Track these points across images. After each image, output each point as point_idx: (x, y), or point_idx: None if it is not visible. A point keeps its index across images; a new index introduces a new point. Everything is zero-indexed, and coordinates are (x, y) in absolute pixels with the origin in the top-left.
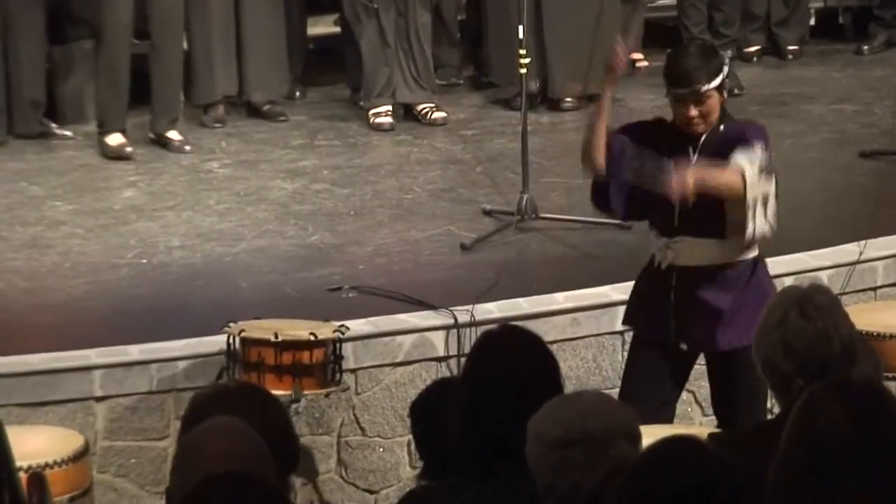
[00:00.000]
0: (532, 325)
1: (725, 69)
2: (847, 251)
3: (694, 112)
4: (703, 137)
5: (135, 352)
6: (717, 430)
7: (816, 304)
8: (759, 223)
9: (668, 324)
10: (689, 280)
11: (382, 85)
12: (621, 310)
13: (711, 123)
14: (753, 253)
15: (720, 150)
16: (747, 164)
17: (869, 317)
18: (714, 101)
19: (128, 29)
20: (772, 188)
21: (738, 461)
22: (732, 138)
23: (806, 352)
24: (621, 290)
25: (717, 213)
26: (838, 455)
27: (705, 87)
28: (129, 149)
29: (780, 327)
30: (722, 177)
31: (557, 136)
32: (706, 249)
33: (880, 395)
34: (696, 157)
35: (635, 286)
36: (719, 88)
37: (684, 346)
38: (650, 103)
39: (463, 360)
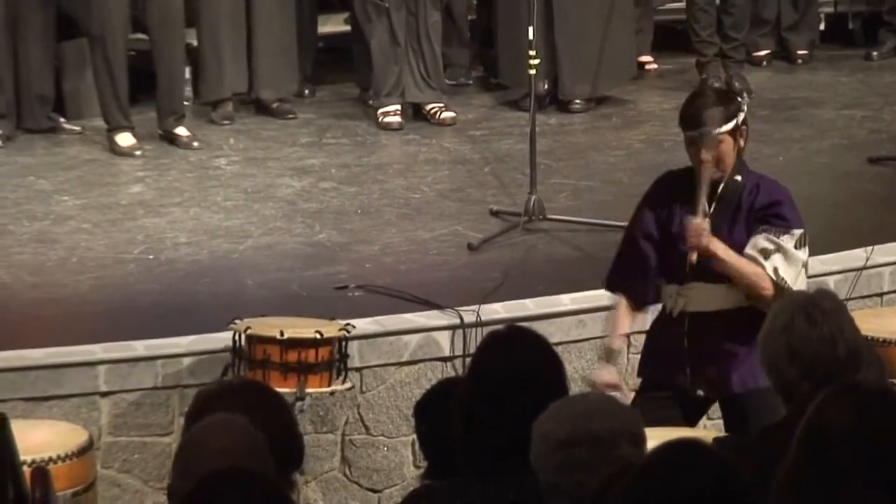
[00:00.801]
0: (538, 326)
1: (742, 115)
2: (854, 256)
3: (706, 156)
4: (720, 187)
5: (140, 347)
6: (722, 435)
7: (822, 309)
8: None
9: (682, 371)
10: (702, 325)
11: (392, 84)
12: None
13: (726, 170)
14: None
15: (739, 203)
16: (785, 266)
17: (875, 322)
18: (727, 146)
19: (121, 27)
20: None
21: (743, 465)
22: (758, 200)
23: (811, 357)
24: None
25: None
26: (846, 457)
27: (716, 131)
28: (138, 152)
29: (785, 332)
30: (747, 269)
31: (566, 137)
32: (718, 294)
33: (890, 397)
34: (713, 207)
35: (648, 337)
36: (733, 133)
37: (701, 393)
38: (658, 106)
39: (468, 360)
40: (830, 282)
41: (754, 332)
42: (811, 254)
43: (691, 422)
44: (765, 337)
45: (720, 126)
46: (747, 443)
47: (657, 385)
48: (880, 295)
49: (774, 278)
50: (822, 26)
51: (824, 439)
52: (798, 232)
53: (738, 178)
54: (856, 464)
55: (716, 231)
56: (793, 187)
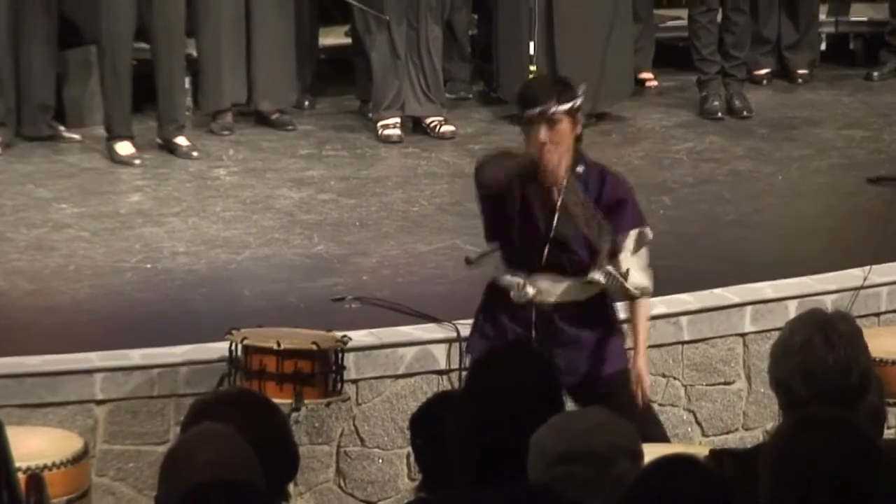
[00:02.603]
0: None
1: (579, 101)
2: (852, 276)
3: (543, 136)
4: (564, 181)
5: (137, 356)
6: (718, 448)
7: (841, 332)
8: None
9: None
10: (549, 315)
11: (392, 97)
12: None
13: (563, 155)
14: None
15: (588, 194)
16: (643, 278)
17: (871, 342)
18: (565, 128)
19: (128, 37)
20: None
21: (737, 480)
22: (604, 193)
23: (825, 381)
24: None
25: (581, 256)
26: (823, 490)
27: (555, 109)
28: (137, 161)
29: (801, 351)
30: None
31: None
32: (567, 287)
33: (854, 429)
34: (560, 199)
35: (482, 319)
36: (571, 114)
37: None
38: (658, 123)
39: (464, 373)
40: (828, 301)
41: (602, 320)
42: (810, 273)
43: None
44: (780, 351)
45: (559, 105)
46: (743, 458)
47: None
48: (877, 315)
49: (622, 279)
50: (823, 46)
51: (802, 473)
52: (634, 232)
53: (580, 168)
54: (833, 496)
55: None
56: (792, 206)
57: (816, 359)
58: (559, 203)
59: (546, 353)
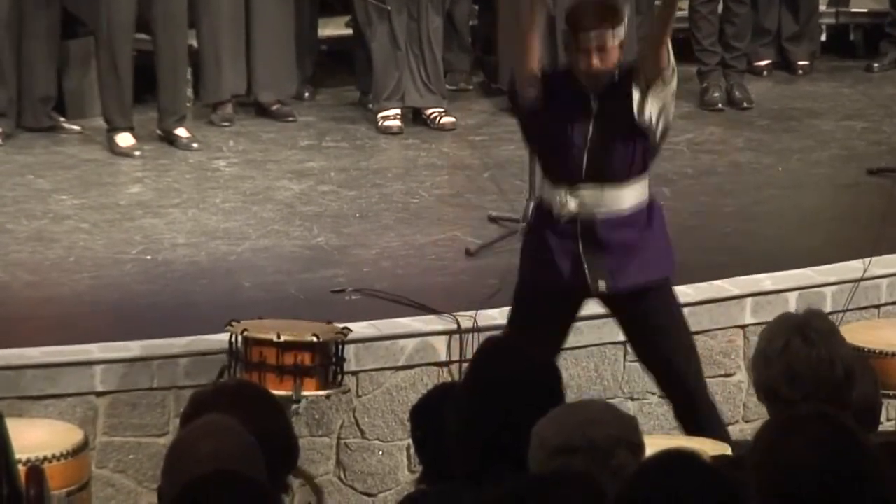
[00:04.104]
0: None
1: (625, 18)
2: (852, 268)
3: (596, 60)
4: (601, 89)
5: (136, 348)
6: (721, 454)
7: (817, 329)
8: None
9: (578, 269)
10: (594, 227)
11: (392, 88)
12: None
13: (608, 70)
14: (647, 196)
15: (618, 100)
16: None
17: (871, 334)
18: (614, 51)
19: (128, 28)
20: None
21: (740, 476)
22: (623, 83)
23: (811, 378)
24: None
25: (622, 157)
26: (801, 490)
27: (609, 33)
28: (137, 152)
29: (782, 356)
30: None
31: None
32: (610, 196)
33: (838, 427)
34: (595, 112)
35: (528, 245)
36: (620, 38)
37: (602, 286)
38: None
39: (465, 365)
40: (828, 293)
41: (644, 229)
42: (810, 264)
43: (566, 321)
44: (760, 360)
45: (613, 30)
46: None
47: (536, 284)
48: (877, 307)
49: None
50: (823, 37)
51: (787, 478)
52: None
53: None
54: (819, 498)
55: (612, 123)
56: (792, 198)
57: (799, 359)
58: (595, 111)
59: (595, 262)
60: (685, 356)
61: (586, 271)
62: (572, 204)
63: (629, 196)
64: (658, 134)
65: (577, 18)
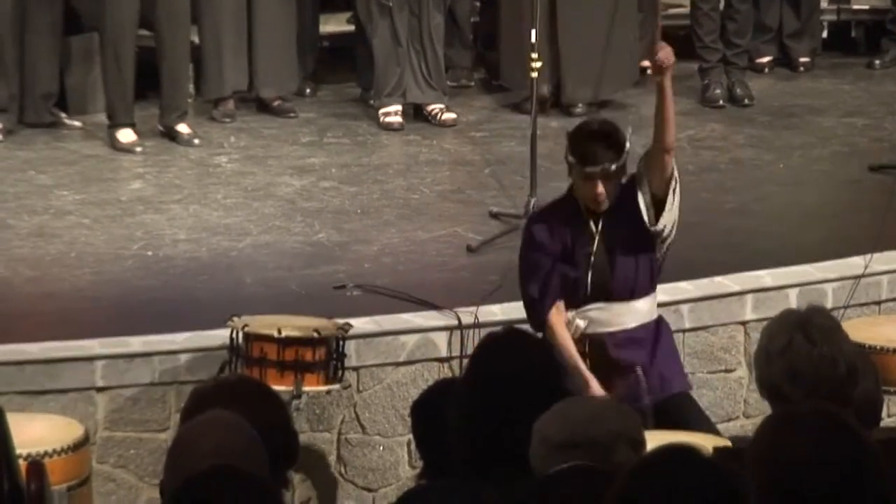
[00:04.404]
0: None
1: (627, 146)
2: (853, 264)
3: (601, 189)
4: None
5: (137, 343)
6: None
7: (819, 327)
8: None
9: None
10: (602, 345)
11: (393, 84)
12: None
13: (614, 199)
14: (655, 315)
15: (620, 217)
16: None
17: (872, 330)
18: (618, 178)
19: (131, 24)
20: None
21: (739, 470)
22: (624, 198)
23: (814, 376)
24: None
25: (627, 272)
26: (802, 487)
27: (614, 167)
28: (138, 148)
29: (785, 353)
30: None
31: (566, 140)
32: (617, 314)
33: (838, 424)
34: (598, 231)
35: None
36: (623, 167)
37: None
38: None
39: (465, 361)
40: (829, 289)
41: (652, 346)
42: (811, 261)
43: None
44: (763, 359)
45: (616, 163)
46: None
47: None
48: (878, 303)
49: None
50: (824, 34)
51: (778, 468)
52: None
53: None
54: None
55: (615, 241)
56: (793, 194)
57: (801, 357)
58: (599, 229)
59: (604, 384)
60: None
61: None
62: (580, 322)
63: (636, 314)
64: (668, 243)
65: (581, 149)
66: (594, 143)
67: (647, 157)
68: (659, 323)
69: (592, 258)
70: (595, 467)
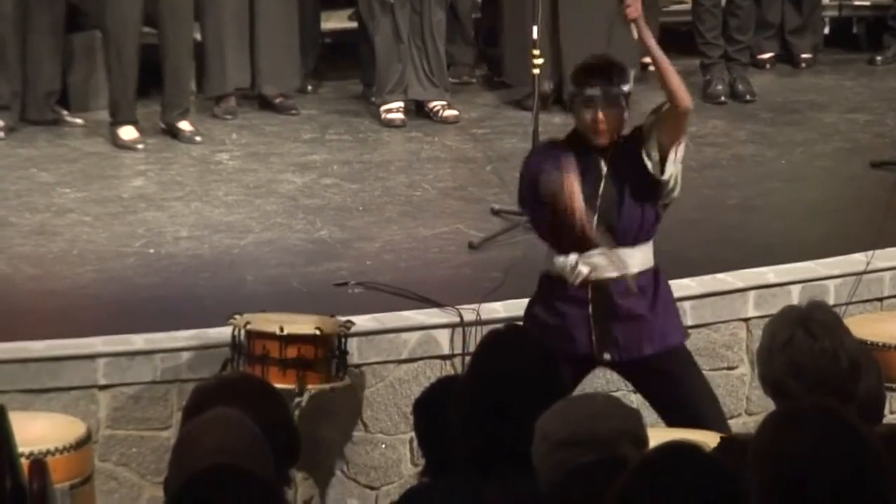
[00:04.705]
0: None
1: (630, 78)
2: (855, 261)
3: (602, 117)
4: (610, 151)
5: (139, 341)
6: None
7: (820, 322)
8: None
9: (586, 338)
10: (605, 292)
11: (395, 81)
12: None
13: (614, 132)
14: (652, 262)
15: (625, 164)
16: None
17: (874, 327)
18: (619, 109)
19: (134, 23)
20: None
21: (743, 468)
22: (629, 148)
23: (816, 371)
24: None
25: (632, 218)
26: (803, 483)
27: (614, 90)
28: (140, 145)
29: (786, 349)
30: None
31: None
32: (621, 259)
33: (840, 420)
34: (606, 168)
35: (535, 311)
36: (625, 95)
37: (608, 357)
38: None
39: (468, 358)
40: (831, 286)
41: (656, 294)
42: (813, 257)
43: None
44: (764, 355)
45: (617, 86)
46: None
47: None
48: (880, 300)
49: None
50: (826, 30)
51: (780, 465)
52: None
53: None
54: (812, 488)
55: (622, 185)
56: (795, 190)
57: (802, 352)
58: (605, 172)
59: (604, 331)
60: (709, 417)
61: (594, 340)
62: (584, 269)
63: (638, 259)
64: (672, 196)
65: (581, 76)
66: (593, 69)
67: (658, 115)
68: (657, 272)
69: (599, 200)
70: (600, 462)
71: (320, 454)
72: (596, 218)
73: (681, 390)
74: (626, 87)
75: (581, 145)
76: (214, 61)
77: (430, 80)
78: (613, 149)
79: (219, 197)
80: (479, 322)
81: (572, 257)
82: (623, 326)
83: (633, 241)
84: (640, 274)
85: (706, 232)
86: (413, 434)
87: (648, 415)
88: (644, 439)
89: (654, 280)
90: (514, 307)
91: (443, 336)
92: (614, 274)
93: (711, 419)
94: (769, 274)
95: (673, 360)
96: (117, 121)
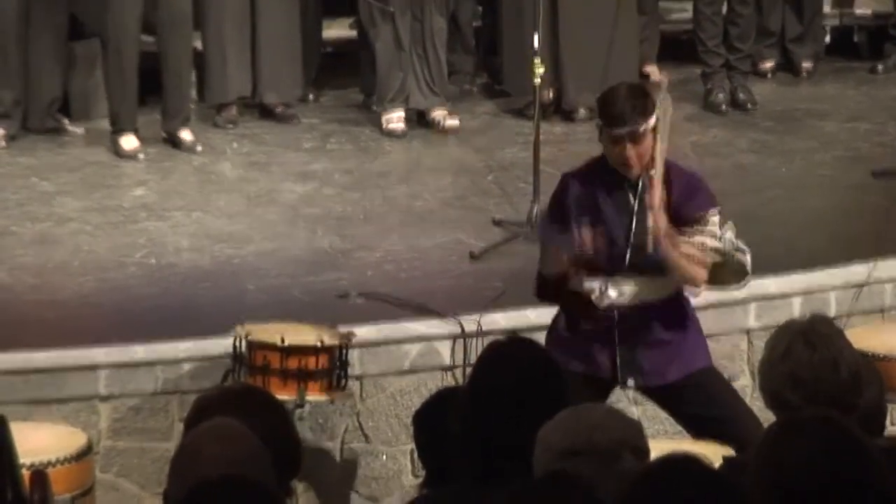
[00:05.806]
0: (539, 337)
1: (658, 111)
2: (856, 271)
3: (630, 152)
4: (640, 181)
5: (140, 352)
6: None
7: (820, 333)
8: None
9: (610, 362)
10: (631, 317)
11: (396, 90)
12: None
13: (645, 165)
14: (680, 288)
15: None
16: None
17: (875, 338)
18: (648, 140)
19: (134, 31)
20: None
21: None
22: (674, 192)
23: (814, 382)
24: None
25: (660, 255)
26: (803, 493)
27: (643, 127)
28: (141, 154)
29: (785, 360)
30: (689, 267)
31: (569, 146)
32: (647, 287)
33: (841, 431)
34: (636, 202)
35: (559, 329)
36: (654, 129)
37: (631, 382)
38: None
39: (469, 369)
40: (832, 296)
41: (682, 319)
42: (814, 267)
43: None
44: (764, 366)
45: (646, 122)
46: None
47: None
48: (882, 311)
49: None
50: (827, 39)
51: (780, 476)
52: (715, 210)
53: (652, 172)
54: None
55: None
56: (796, 199)
57: (801, 363)
58: (636, 206)
59: (629, 356)
60: (747, 431)
61: (618, 365)
62: (612, 293)
63: (666, 287)
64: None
65: (609, 111)
66: (622, 104)
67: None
68: (684, 298)
69: (634, 229)
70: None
71: (321, 465)
72: (629, 249)
73: (714, 408)
74: (652, 120)
75: (609, 172)
76: (215, 70)
77: (431, 88)
78: (643, 179)
79: (220, 207)
80: (481, 333)
81: (601, 281)
82: (649, 352)
83: (663, 270)
84: (669, 300)
85: None
86: (414, 445)
87: (649, 426)
88: (645, 450)
89: (681, 306)
90: (515, 317)
91: (444, 347)
92: (643, 302)
93: (752, 434)
94: (770, 285)
95: (700, 379)
96: (118, 129)
